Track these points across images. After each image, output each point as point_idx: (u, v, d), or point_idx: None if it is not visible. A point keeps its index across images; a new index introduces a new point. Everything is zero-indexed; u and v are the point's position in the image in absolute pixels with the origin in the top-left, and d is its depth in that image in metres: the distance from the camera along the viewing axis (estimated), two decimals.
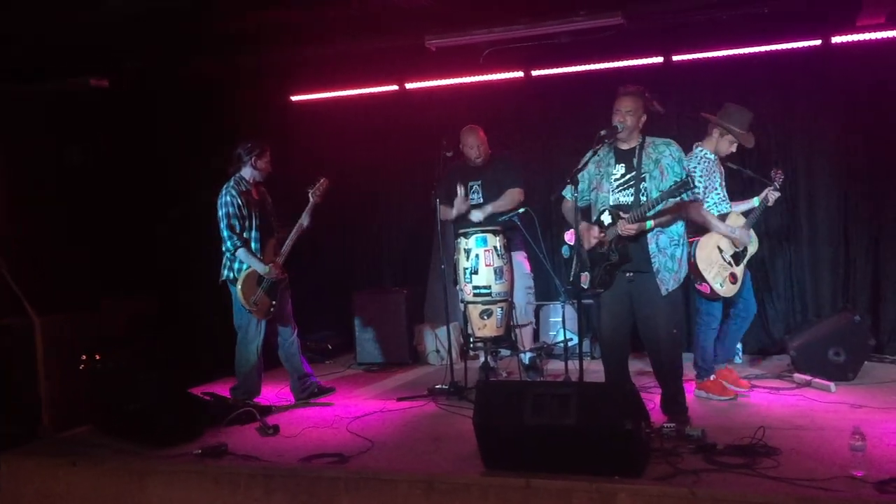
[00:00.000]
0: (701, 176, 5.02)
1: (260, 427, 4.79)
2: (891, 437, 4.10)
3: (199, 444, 4.43)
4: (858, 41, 6.13)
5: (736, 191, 5.64)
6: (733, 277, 5.13)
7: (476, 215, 5.84)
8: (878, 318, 6.59)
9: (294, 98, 7.71)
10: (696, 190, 4.53)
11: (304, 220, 5.51)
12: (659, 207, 4.28)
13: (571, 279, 4.64)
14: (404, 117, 7.73)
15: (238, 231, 5.34)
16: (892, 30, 5.95)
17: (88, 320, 5.76)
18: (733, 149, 5.28)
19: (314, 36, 6.52)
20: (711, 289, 5.08)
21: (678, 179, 4.26)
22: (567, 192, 4.67)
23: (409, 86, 7.37)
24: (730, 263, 5.13)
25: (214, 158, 6.92)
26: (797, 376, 5.59)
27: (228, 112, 7.09)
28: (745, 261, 5.23)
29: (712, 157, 5.18)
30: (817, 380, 5.39)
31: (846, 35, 6.12)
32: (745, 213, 5.35)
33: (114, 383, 4.96)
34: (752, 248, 5.29)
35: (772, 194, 5.35)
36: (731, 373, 5.48)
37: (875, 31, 5.99)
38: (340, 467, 4.02)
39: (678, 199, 4.25)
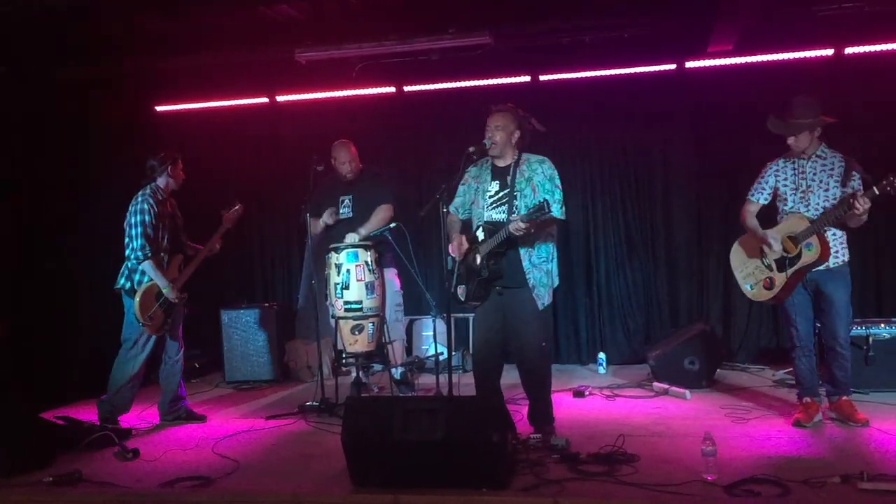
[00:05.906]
0: (772, 176, 4.78)
1: (119, 451, 4.56)
2: (739, 440, 4.37)
3: (50, 472, 4.16)
4: (709, 66, 6.54)
5: None
6: (769, 282, 4.74)
7: (352, 237, 5.73)
8: (730, 328, 7.01)
9: (159, 108, 7.45)
10: (554, 212, 4.37)
11: (215, 243, 5.43)
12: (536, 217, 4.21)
13: (452, 291, 4.67)
14: (275, 131, 7.63)
15: (150, 241, 5.10)
16: (739, 56, 6.41)
17: None
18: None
19: (180, 45, 6.34)
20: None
21: (547, 197, 4.32)
22: (452, 206, 4.79)
23: (280, 98, 7.28)
24: (769, 267, 4.75)
25: (71, 170, 6.62)
26: (656, 385, 5.85)
27: (83, 120, 6.76)
28: (792, 269, 4.62)
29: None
30: (674, 388, 5.66)
31: (699, 60, 6.51)
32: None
33: None
34: (807, 257, 4.59)
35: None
36: (848, 404, 4.76)
37: (724, 58, 6.43)
38: (203, 491, 3.88)
39: (548, 215, 4.28)
